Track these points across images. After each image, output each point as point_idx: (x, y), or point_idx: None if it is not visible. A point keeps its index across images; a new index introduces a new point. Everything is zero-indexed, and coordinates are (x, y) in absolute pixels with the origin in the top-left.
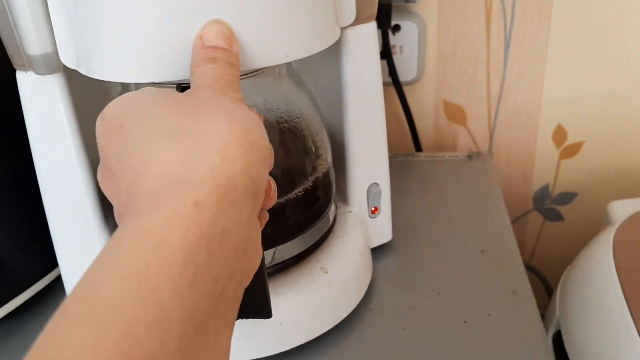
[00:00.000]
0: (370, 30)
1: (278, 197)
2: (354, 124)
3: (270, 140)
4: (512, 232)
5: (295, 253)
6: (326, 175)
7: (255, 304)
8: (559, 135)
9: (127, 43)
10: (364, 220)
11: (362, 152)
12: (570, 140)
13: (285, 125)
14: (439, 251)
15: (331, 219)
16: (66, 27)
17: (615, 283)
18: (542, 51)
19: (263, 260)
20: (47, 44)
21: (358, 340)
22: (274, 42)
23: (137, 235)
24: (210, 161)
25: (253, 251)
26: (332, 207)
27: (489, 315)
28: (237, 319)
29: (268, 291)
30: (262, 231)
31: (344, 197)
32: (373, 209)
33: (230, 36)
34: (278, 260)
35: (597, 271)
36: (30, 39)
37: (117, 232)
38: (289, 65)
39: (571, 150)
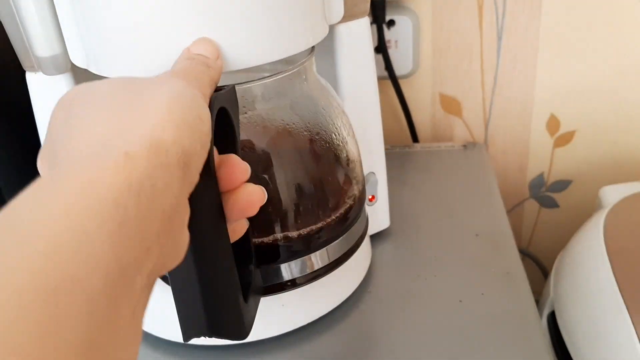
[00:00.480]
0: (363, 26)
1: (316, 203)
2: (349, 116)
3: (298, 146)
4: (506, 217)
5: (333, 259)
6: (358, 177)
7: (226, 319)
8: (552, 124)
9: (134, 42)
10: None
11: (358, 142)
12: (563, 129)
13: (314, 128)
14: (435, 236)
15: (365, 221)
16: (75, 27)
17: (605, 264)
18: (534, 42)
19: (233, 267)
20: (55, 46)
21: (357, 320)
22: (263, 41)
23: (63, 177)
24: (142, 127)
25: (179, 229)
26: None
27: (483, 294)
28: (200, 336)
29: (241, 305)
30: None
31: None
32: (370, 197)
33: (216, 51)
34: (315, 268)
35: (589, 253)
36: (39, 42)
37: (35, 182)
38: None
39: (564, 139)
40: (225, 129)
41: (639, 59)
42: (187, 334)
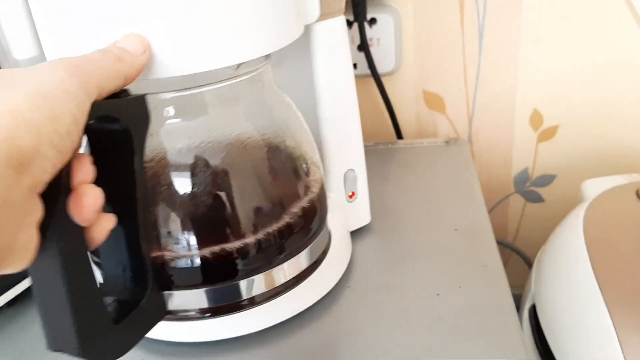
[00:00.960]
0: (339, 24)
1: (269, 218)
2: (327, 113)
3: (253, 156)
4: (486, 212)
5: (295, 273)
6: (319, 189)
7: (92, 338)
8: (536, 119)
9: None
10: (342, 205)
11: (336, 140)
12: (547, 124)
13: (270, 138)
14: (415, 231)
15: (328, 234)
16: (49, 30)
17: (584, 257)
18: (515, 38)
19: (88, 277)
20: (32, 49)
21: (336, 315)
22: (229, 42)
23: None
24: None
25: (13, 229)
26: (326, 223)
27: (460, 287)
28: (69, 353)
29: (103, 326)
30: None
31: None
32: (350, 193)
33: (142, 47)
34: (277, 283)
35: (568, 246)
36: (16, 45)
37: None
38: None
39: (548, 134)
40: (120, 142)
41: (620, 52)
42: (53, 344)
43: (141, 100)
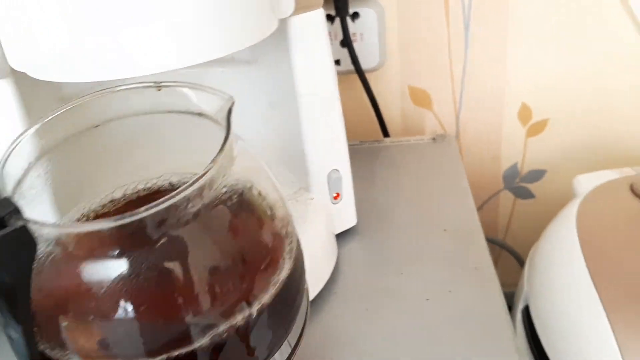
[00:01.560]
0: (317, 17)
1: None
2: (308, 112)
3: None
4: (475, 211)
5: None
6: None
7: None
8: (524, 113)
9: (58, 44)
10: (326, 207)
11: (318, 139)
12: (535, 118)
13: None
14: (403, 233)
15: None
16: (10, 29)
17: (578, 255)
18: (502, 31)
19: None
20: None
21: (322, 324)
22: (209, 37)
23: None
24: None
25: None
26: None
27: (450, 291)
28: None
29: None
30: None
31: (304, 185)
32: (335, 195)
33: None
34: None
35: (561, 244)
36: None
37: None
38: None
39: (537, 128)
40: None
41: (610, 45)
42: None
43: (20, 233)
